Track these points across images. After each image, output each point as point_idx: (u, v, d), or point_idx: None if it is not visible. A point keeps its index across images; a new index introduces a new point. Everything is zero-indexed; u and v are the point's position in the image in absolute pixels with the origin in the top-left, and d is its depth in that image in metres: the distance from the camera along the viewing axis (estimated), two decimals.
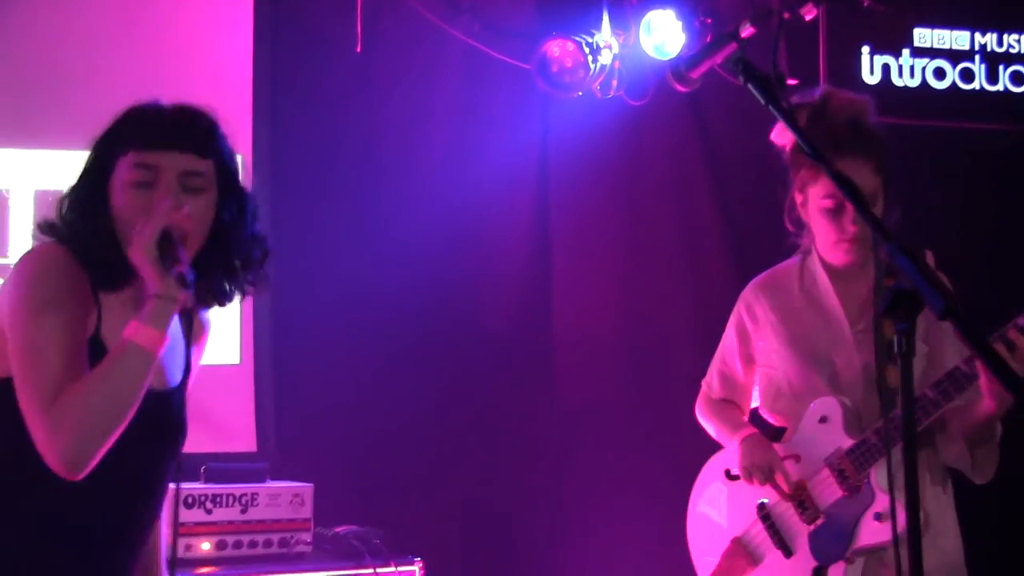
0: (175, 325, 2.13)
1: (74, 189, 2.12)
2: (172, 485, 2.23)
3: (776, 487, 3.20)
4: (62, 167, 4.35)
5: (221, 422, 4.50)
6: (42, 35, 4.56)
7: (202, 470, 3.89)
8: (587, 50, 4.72)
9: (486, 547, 4.93)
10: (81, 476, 1.93)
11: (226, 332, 4.62)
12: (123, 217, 2.06)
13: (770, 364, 3.33)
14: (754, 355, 3.40)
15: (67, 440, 1.91)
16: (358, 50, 4.82)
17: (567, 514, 5.04)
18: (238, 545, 3.77)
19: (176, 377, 2.21)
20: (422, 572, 3.90)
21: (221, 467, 3.93)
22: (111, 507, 2.11)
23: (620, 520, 5.04)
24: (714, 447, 3.52)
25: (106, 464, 1.97)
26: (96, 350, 2.03)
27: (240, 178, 2.25)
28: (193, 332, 2.22)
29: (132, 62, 4.62)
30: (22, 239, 4.43)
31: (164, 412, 2.17)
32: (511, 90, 5.09)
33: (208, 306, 2.27)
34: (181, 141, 2.09)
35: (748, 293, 3.42)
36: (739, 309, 3.43)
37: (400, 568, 3.85)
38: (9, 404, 1.98)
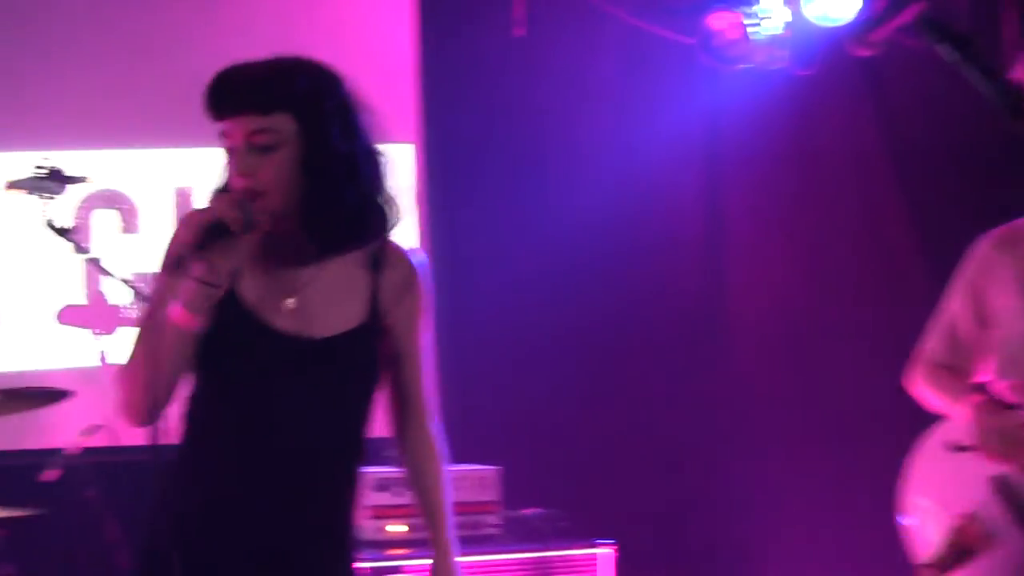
0: (351, 265, 2.17)
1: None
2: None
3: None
4: None
5: None
6: (203, 33, 4.66)
7: (391, 454, 3.91)
8: (751, 20, 4.55)
9: (677, 531, 4.86)
10: (145, 424, 2.06)
11: None
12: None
13: (1010, 327, 3.07)
14: (988, 317, 3.13)
15: (125, 396, 2.08)
16: (519, 34, 4.78)
17: (757, 496, 4.94)
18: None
19: (349, 320, 2.16)
20: (615, 556, 3.84)
21: None
22: (263, 456, 2.13)
23: (815, 504, 4.91)
24: (909, 428, 3.30)
25: (256, 411, 2.11)
26: (233, 308, 2.10)
27: (336, 124, 2.13)
28: (386, 272, 2.20)
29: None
30: None
31: (322, 359, 2.14)
32: (674, 67, 4.99)
33: (347, 246, 2.17)
34: (238, 103, 2.08)
35: (983, 248, 3.13)
36: (969, 266, 3.15)
37: (591, 551, 3.80)
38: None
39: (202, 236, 1.99)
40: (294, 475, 2.13)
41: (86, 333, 4.61)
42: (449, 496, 2.32)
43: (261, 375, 2.11)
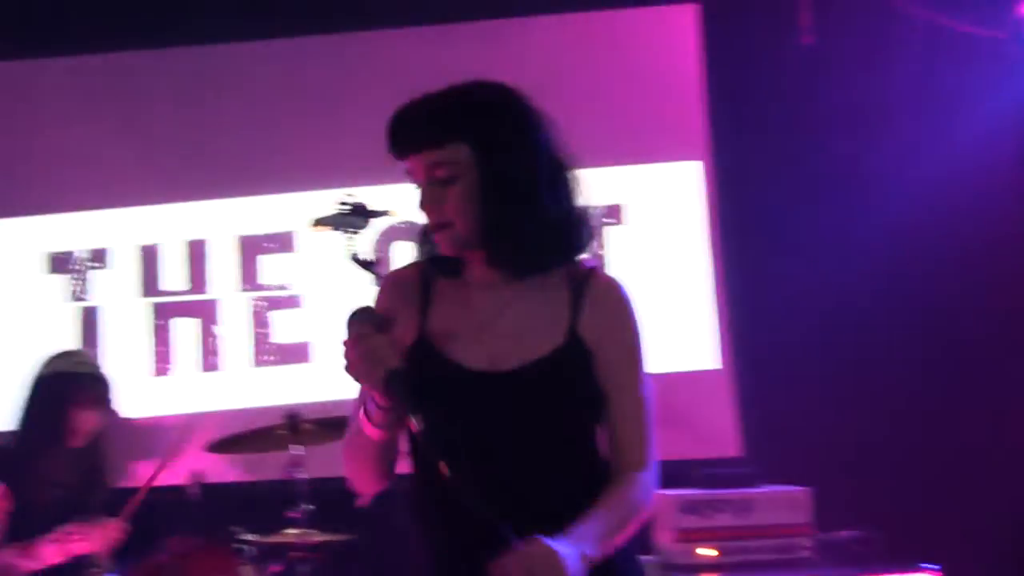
0: (545, 293, 2.08)
1: None
2: None
3: None
4: None
5: (701, 427, 4.51)
6: (486, 66, 4.72)
7: (696, 475, 3.86)
8: None
9: (1005, 553, 4.56)
10: (363, 502, 2.15)
11: (703, 337, 4.68)
12: None
13: None
14: None
15: (347, 475, 2.12)
16: (808, 42, 4.63)
17: None
18: (738, 551, 3.70)
19: (543, 347, 2.04)
20: None
21: (715, 472, 3.89)
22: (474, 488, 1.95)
23: None
24: None
25: (465, 448, 1.97)
26: (423, 349, 2.05)
27: (515, 147, 2.04)
28: (592, 298, 2.08)
29: (586, 83, 4.75)
30: None
31: (514, 391, 2.02)
32: (983, 63, 4.71)
33: (529, 271, 2.08)
34: (413, 140, 2.05)
35: None
36: None
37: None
38: None
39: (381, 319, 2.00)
40: (519, 509, 1.96)
41: None
42: (621, 516, 2.03)
43: (458, 415, 2.00)
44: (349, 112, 4.78)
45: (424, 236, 2.07)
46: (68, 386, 3.85)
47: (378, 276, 3.35)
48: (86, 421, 3.85)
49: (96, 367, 4.00)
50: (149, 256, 4.89)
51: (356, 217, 3.18)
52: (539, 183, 2.04)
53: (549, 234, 2.04)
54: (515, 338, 2.04)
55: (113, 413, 3.96)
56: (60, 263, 4.97)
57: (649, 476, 2.07)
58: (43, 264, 4.98)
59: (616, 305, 2.10)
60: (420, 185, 2.03)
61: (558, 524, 1.94)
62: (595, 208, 2.14)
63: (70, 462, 3.82)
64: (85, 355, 4.19)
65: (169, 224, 4.88)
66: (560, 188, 2.07)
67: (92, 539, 3.63)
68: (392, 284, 2.14)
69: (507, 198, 2.01)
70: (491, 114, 2.05)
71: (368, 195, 3.31)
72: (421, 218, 2.07)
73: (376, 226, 3.81)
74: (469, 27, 4.96)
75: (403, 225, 4.17)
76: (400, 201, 3.80)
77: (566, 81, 4.79)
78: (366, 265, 3.20)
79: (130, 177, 4.83)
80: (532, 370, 2.02)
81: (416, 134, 2.03)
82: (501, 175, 2.01)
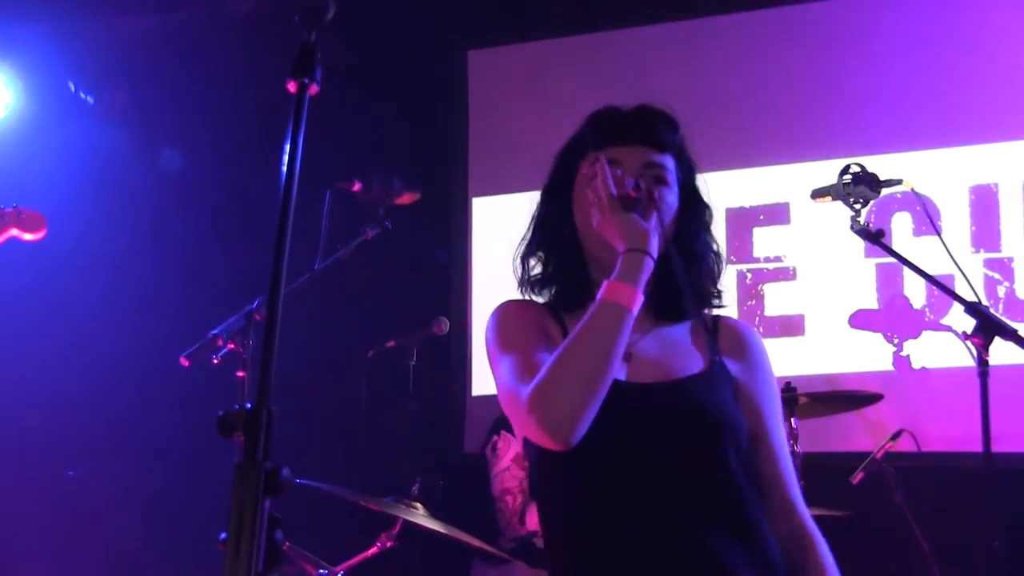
0: (679, 334, 2.06)
1: (541, 202, 2.13)
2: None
3: None
4: None
5: None
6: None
7: None
8: None
9: None
10: (572, 441, 1.81)
11: None
12: (582, 216, 2.02)
13: None
14: None
15: (548, 404, 1.81)
16: None
17: None
18: None
19: (687, 370, 2.00)
20: None
21: None
22: (645, 507, 1.88)
23: None
24: None
25: (626, 464, 1.88)
26: None
27: (699, 184, 2.10)
28: (722, 334, 2.08)
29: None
30: None
31: (668, 400, 1.94)
32: None
33: (681, 311, 2.06)
34: (640, 135, 2.04)
35: None
36: None
37: None
38: (541, 477, 2.01)
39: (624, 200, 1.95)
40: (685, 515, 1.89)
41: (878, 337, 4.60)
42: None
43: (610, 432, 1.87)
44: (871, 78, 4.67)
45: (631, 202, 1.96)
46: None
47: (887, 248, 3.22)
48: None
49: None
50: None
51: (865, 187, 3.07)
52: (704, 221, 2.10)
53: (714, 272, 2.08)
54: (658, 364, 2.00)
55: None
56: None
57: (807, 510, 2.02)
58: None
59: (754, 345, 2.09)
60: (622, 172, 1.98)
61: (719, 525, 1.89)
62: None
63: None
64: None
65: None
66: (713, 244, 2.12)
67: None
68: (535, 308, 2.09)
69: (696, 225, 2.06)
70: (685, 143, 2.10)
71: (869, 164, 3.19)
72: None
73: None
74: None
75: (908, 195, 4.01)
76: (909, 170, 3.69)
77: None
78: (872, 236, 3.08)
79: None
80: (686, 384, 1.97)
81: (646, 131, 2.03)
82: (691, 201, 2.06)
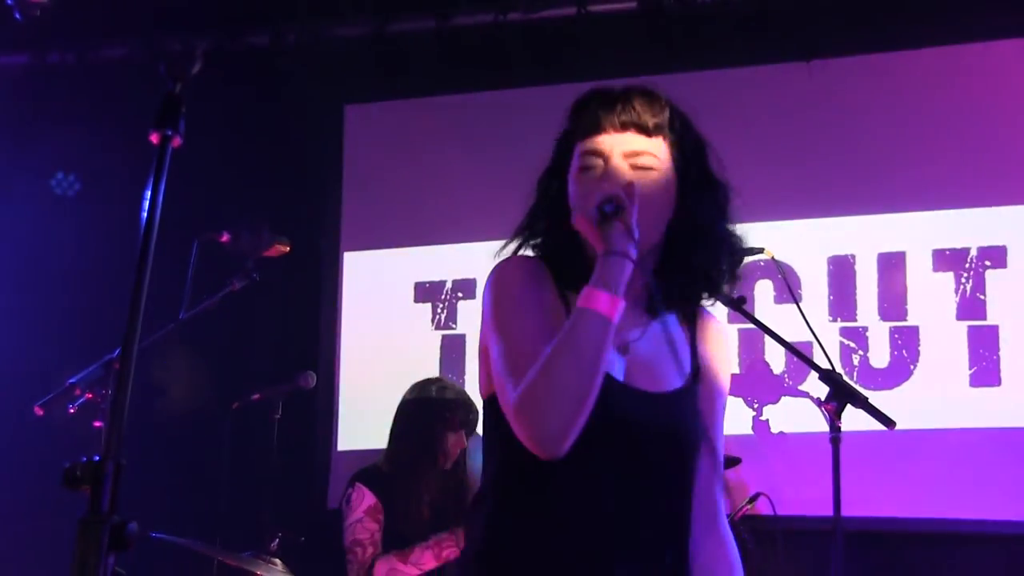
0: (671, 327, 2.00)
1: (540, 187, 2.04)
2: None
3: None
4: None
5: None
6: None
7: None
8: None
9: None
10: (560, 454, 1.81)
11: None
12: (575, 206, 1.94)
13: None
14: None
15: (533, 419, 1.80)
16: None
17: None
18: None
19: (675, 381, 1.97)
20: None
21: None
22: (606, 511, 1.90)
23: None
24: None
25: (593, 467, 1.87)
26: None
27: (707, 163, 1.99)
28: (700, 333, 2.03)
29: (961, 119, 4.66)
30: None
31: (654, 415, 1.93)
32: None
33: (679, 306, 1.99)
34: (623, 121, 1.94)
35: None
36: None
37: None
38: (498, 419, 1.92)
39: (602, 207, 1.83)
40: (628, 530, 1.90)
41: (739, 402, 4.71)
42: None
43: (597, 426, 1.85)
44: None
45: (612, 204, 1.84)
46: (439, 411, 4.04)
47: (747, 314, 3.32)
48: (455, 444, 4.03)
49: (462, 392, 4.19)
50: None
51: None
52: (726, 207, 1.99)
53: (718, 265, 1.97)
54: (655, 359, 1.97)
55: (476, 436, 4.13)
56: (425, 293, 5.25)
57: (727, 524, 2.03)
58: (410, 293, 5.28)
59: (725, 346, 2.07)
60: (596, 170, 1.92)
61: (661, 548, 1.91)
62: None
63: (440, 482, 4.00)
64: (448, 381, 4.39)
65: None
66: (730, 225, 2.00)
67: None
68: (536, 271, 1.98)
69: (699, 210, 1.94)
70: (684, 123, 2.00)
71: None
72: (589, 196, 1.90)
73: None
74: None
75: (769, 263, 4.13)
76: (771, 239, 3.81)
77: (940, 118, 4.65)
78: (734, 303, 3.17)
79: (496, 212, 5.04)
80: (675, 399, 1.95)
81: (629, 116, 1.94)
82: (694, 184, 1.95)
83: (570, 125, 2.02)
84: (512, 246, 2.04)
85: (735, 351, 1.84)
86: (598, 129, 1.94)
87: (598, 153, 1.93)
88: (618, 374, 1.93)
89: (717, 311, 2.15)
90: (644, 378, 1.95)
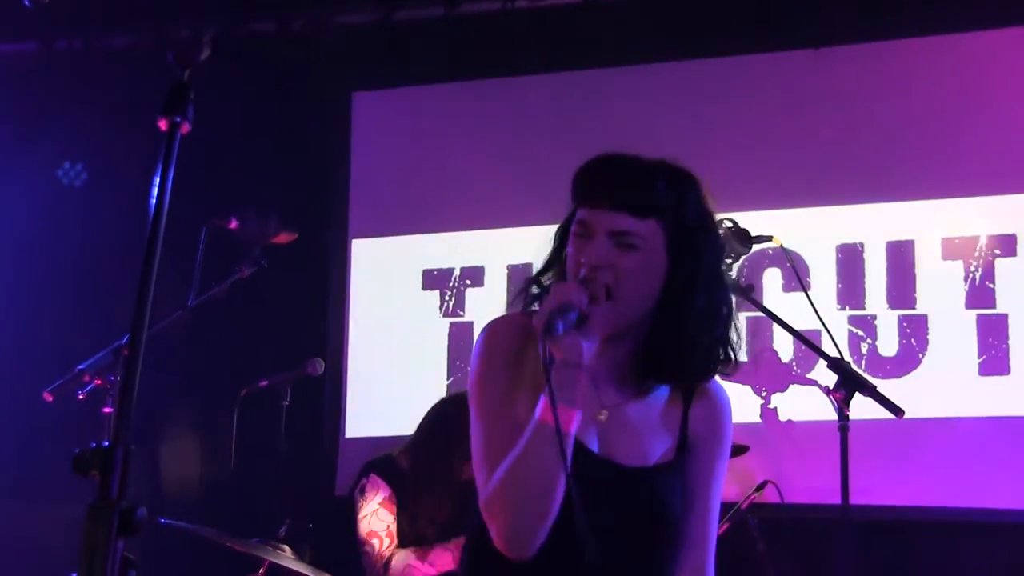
0: (660, 398, 2.01)
1: (555, 237, 2.05)
2: None
3: None
4: None
5: None
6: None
7: None
8: None
9: None
10: (527, 557, 1.86)
11: None
12: (570, 270, 1.95)
13: None
14: None
15: (498, 525, 1.87)
16: None
17: None
18: None
19: (655, 455, 1.98)
20: None
21: None
22: None
23: None
24: None
25: (562, 542, 1.87)
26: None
27: (705, 244, 1.95)
28: (697, 402, 2.03)
29: (975, 107, 4.63)
30: None
31: (628, 489, 1.95)
32: None
33: (670, 380, 2.00)
34: (613, 200, 1.92)
35: None
36: None
37: None
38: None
39: (550, 322, 1.81)
40: None
41: (746, 389, 4.70)
42: None
43: (584, 498, 1.86)
44: (727, 144, 4.80)
45: (537, 285, 1.97)
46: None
47: (757, 303, 3.31)
48: None
49: None
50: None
51: (736, 242, 3.16)
52: (722, 295, 1.97)
53: (711, 348, 1.96)
54: (634, 434, 1.98)
55: None
56: (433, 280, 5.25)
57: None
58: (418, 280, 5.28)
59: (717, 411, 2.05)
60: (587, 238, 1.92)
61: None
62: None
63: (458, 488, 3.90)
64: None
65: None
66: (729, 304, 1.98)
67: None
68: (517, 334, 1.99)
69: (689, 298, 1.92)
70: (700, 210, 1.96)
71: (747, 221, 3.29)
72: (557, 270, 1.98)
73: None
74: None
75: (778, 252, 4.13)
76: (779, 227, 3.80)
77: (949, 105, 4.63)
78: (743, 291, 3.17)
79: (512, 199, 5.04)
80: (651, 475, 1.96)
81: (620, 195, 1.92)
82: (691, 276, 1.92)
83: (572, 187, 2.00)
84: (520, 298, 2.05)
85: (729, 423, 1.86)
86: (588, 201, 1.94)
87: (586, 225, 1.93)
88: (595, 446, 1.95)
89: None
90: (622, 451, 1.96)
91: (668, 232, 1.92)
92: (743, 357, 2.02)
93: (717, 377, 2.05)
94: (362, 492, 3.92)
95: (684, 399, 2.03)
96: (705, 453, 2.03)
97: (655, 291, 1.93)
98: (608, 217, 1.91)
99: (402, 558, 3.81)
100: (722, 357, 1.98)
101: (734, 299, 2.01)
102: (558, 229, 2.03)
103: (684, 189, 1.95)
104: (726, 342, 1.98)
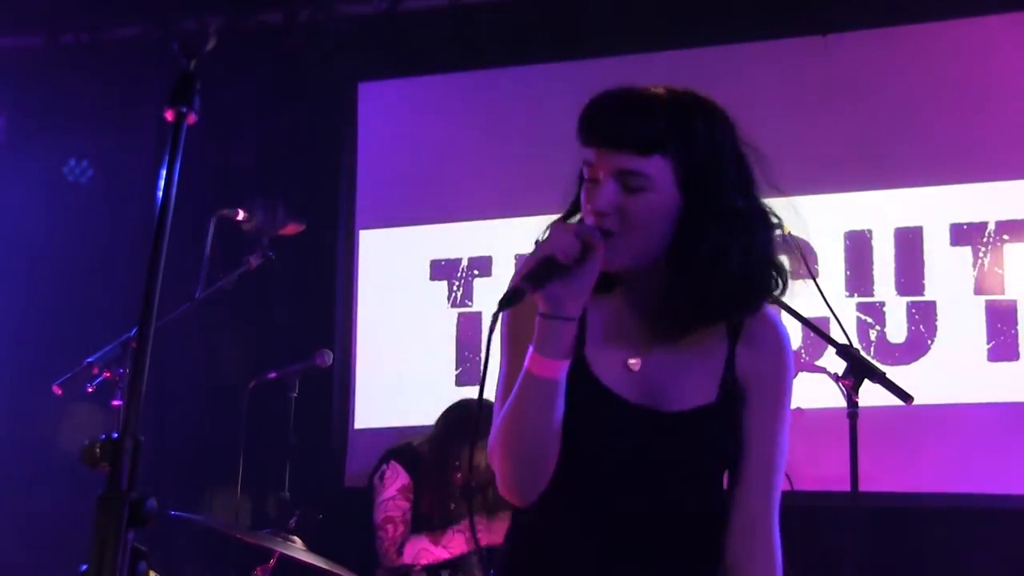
0: (701, 341, 1.88)
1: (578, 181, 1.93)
2: None
3: None
4: None
5: None
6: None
7: None
8: None
9: None
10: (526, 503, 1.88)
11: None
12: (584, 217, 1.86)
13: None
14: None
15: (498, 471, 1.89)
16: None
17: None
18: None
19: (695, 399, 1.88)
20: None
21: None
22: (614, 528, 1.89)
23: None
24: None
25: (603, 488, 1.88)
26: (581, 372, 1.87)
27: (718, 177, 1.81)
28: (745, 342, 1.89)
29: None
30: None
31: (665, 435, 1.87)
32: None
33: (699, 319, 1.86)
34: (616, 138, 1.79)
35: None
36: None
37: None
38: None
39: (539, 271, 1.73)
40: (643, 548, 1.89)
41: None
42: None
43: (606, 447, 1.87)
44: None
45: (584, 234, 1.76)
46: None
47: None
48: None
49: None
50: None
51: None
52: (751, 222, 1.83)
53: (746, 279, 1.81)
54: (673, 378, 1.89)
55: None
56: (441, 270, 5.25)
57: (777, 533, 1.92)
58: (426, 271, 5.27)
59: (773, 348, 1.91)
60: (596, 182, 1.81)
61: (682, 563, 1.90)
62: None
63: (478, 478, 3.88)
64: None
65: None
66: (765, 231, 1.85)
67: (495, 532, 3.80)
68: (537, 261, 1.84)
69: (715, 231, 1.78)
70: (713, 137, 1.82)
71: None
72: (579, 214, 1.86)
73: None
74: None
75: (785, 239, 4.11)
76: (787, 215, 3.79)
77: (957, 91, 4.62)
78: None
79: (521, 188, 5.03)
80: (692, 418, 1.87)
81: (623, 133, 1.79)
82: (712, 204, 1.79)
83: (577, 127, 1.87)
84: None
85: (787, 359, 1.73)
86: (591, 140, 1.83)
87: (591, 167, 1.83)
88: (632, 396, 1.88)
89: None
90: (661, 397, 1.88)
91: (677, 167, 1.79)
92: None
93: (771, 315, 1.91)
94: (381, 478, 3.96)
95: (730, 337, 1.91)
96: (758, 393, 1.91)
97: (666, 229, 1.80)
98: (609, 157, 1.80)
99: (415, 542, 3.86)
100: (756, 290, 1.83)
101: (766, 231, 1.85)
102: (578, 172, 1.92)
103: (690, 118, 1.81)
104: (751, 278, 1.82)
